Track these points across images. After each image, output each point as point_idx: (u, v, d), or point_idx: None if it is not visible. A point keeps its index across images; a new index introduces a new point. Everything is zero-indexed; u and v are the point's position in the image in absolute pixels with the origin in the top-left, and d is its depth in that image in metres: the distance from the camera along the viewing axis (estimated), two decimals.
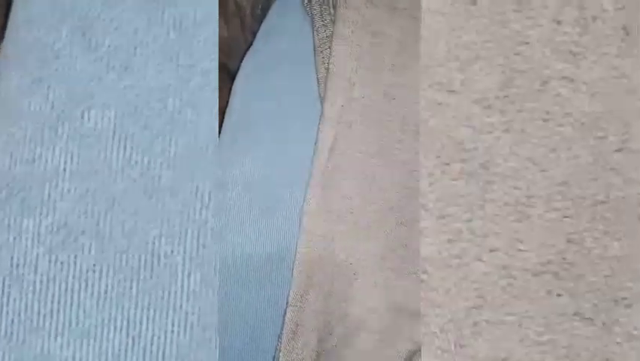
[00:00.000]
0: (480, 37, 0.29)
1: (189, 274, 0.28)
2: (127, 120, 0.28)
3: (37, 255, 0.27)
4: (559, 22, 0.29)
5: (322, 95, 0.37)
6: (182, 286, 0.28)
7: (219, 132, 0.38)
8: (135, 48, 0.28)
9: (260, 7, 0.41)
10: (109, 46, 0.28)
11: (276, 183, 0.38)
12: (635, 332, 0.28)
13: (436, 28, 0.29)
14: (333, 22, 0.38)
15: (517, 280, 0.28)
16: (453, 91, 0.29)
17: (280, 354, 0.35)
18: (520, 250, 0.28)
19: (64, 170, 0.27)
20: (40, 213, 0.27)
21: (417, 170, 0.37)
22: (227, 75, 0.40)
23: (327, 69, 0.37)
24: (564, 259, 0.29)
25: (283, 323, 0.35)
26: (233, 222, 0.37)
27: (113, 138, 0.28)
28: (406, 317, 0.36)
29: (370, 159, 0.36)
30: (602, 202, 0.29)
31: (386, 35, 0.38)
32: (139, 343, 0.27)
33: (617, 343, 0.28)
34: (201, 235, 0.28)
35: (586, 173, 0.29)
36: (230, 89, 0.40)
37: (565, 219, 0.29)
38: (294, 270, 0.35)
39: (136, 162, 0.28)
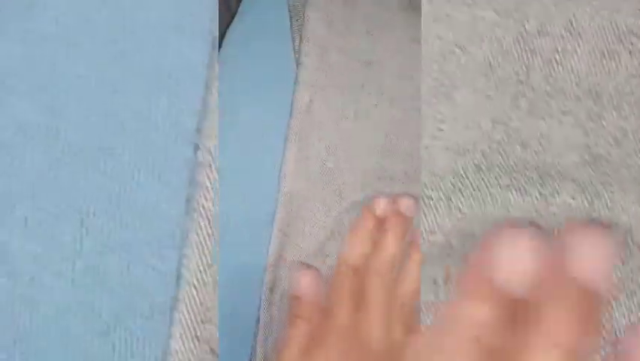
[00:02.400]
0: None
1: (140, 168, 0.29)
2: (69, 18, 0.29)
3: None
4: None
5: (297, 60, 0.39)
6: (134, 179, 0.29)
7: None
8: None
9: None
10: None
11: (256, 146, 0.39)
12: (572, 202, 0.29)
13: None
14: None
15: (439, 160, 0.30)
16: None
17: (260, 312, 0.37)
18: (441, 130, 0.30)
19: (14, 69, 0.29)
20: None
21: (394, 133, 0.38)
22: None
23: (301, 36, 0.38)
24: (490, 138, 0.30)
25: (263, 282, 0.37)
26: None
27: (58, 37, 0.29)
28: None
29: (346, 122, 0.38)
30: (522, 82, 0.30)
31: (357, 2, 0.39)
32: (94, 234, 0.29)
33: (554, 213, 0.29)
34: (151, 129, 0.29)
35: (507, 54, 0.30)
36: None
37: (488, 100, 0.30)
38: (273, 230, 0.37)
39: (83, 58, 0.29)
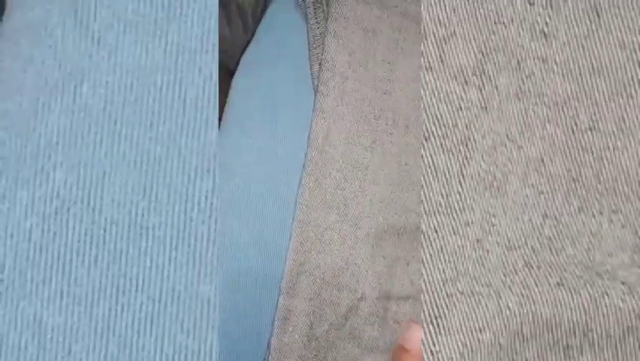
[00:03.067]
0: (455, 15, 0.30)
1: (176, 247, 0.29)
2: (117, 96, 0.29)
3: (31, 225, 0.28)
4: (531, 3, 0.30)
5: (316, 88, 0.38)
6: (170, 257, 0.29)
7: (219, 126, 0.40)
8: (125, 26, 0.29)
9: (260, 9, 0.42)
10: (100, 24, 0.29)
11: (272, 174, 0.39)
12: (621, 305, 0.29)
13: None
14: (326, 19, 0.39)
15: (491, 254, 0.29)
16: (431, 68, 0.30)
17: (272, 338, 0.36)
18: (493, 225, 0.29)
19: (57, 143, 0.29)
20: (34, 185, 0.28)
21: (408, 163, 0.38)
22: (228, 74, 0.41)
23: (320, 64, 0.38)
24: (541, 233, 0.29)
25: (276, 309, 0.36)
26: (231, 210, 0.38)
27: (104, 113, 0.29)
28: (396, 303, 0.37)
29: (363, 152, 0.37)
30: (575, 180, 0.30)
31: (377, 32, 0.38)
32: (128, 310, 0.28)
33: (604, 315, 0.29)
34: (188, 209, 0.29)
35: (559, 151, 0.30)
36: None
37: (540, 195, 0.30)
38: (287, 258, 0.36)
39: (125, 137, 0.29)
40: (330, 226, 0.37)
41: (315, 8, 0.40)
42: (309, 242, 0.36)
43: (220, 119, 0.40)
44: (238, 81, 0.41)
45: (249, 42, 0.42)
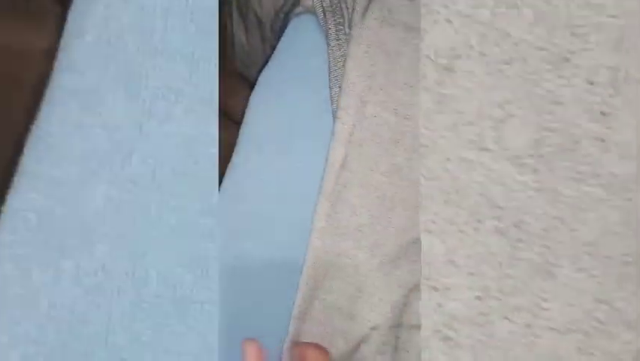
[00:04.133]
0: (513, 95, 0.29)
1: (212, 318, 0.29)
2: (165, 167, 0.29)
3: (75, 296, 0.28)
4: (591, 83, 0.30)
5: (335, 112, 0.38)
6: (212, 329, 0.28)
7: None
8: (175, 96, 0.29)
9: (279, 24, 0.41)
10: (150, 93, 0.29)
11: (288, 198, 0.38)
12: None
13: (468, 86, 0.30)
14: (348, 41, 0.38)
15: (542, 339, 0.28)
16: (486, 149, 0.29)
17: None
18: (544, 309, 0.29)
19: (104, 213, 0.28)
20: (79, 255, 0.28)
21: None
22: (246, 83, 0.41)
23: (340, 87, 0.38)
24: (594, 318, 0.29)
25: (287, 334, 0.36)
26: (245, 231, 0.38)
27: (152, 184, 0.28)
28: (407, 331, 0.37)
29: (380, 177, 0.37)
30: (629, 263, 0.29)
31: (400, 54, 0.38)
32: None
33: None
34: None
35: (613, 233, 0.29)
36: (248, 96, 0.40)
37: (592, 278, 0.29)
38: (300, 283, 0.36)
39: (173, 208, 0.29)
40: (344, 252, 0.36)
41: (337, 30, 0.39)
42: (322, 268, 0.36)
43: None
44: (256, 100, 0.40)
45: (267, 54, 0.42)
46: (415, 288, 0.37)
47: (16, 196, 0.28)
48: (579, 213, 0.29)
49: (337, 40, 0.39)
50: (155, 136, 0.29)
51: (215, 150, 0.29)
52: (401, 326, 0.37)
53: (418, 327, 0.37)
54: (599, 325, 0.29)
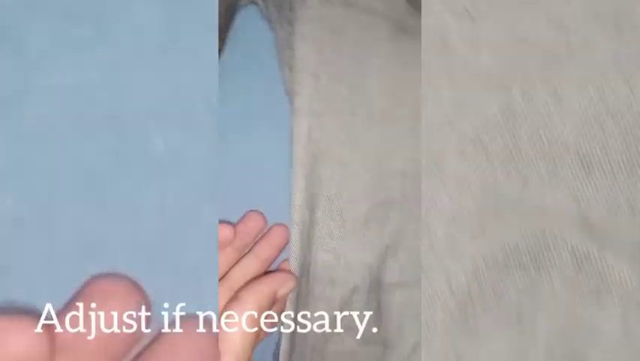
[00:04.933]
0: None
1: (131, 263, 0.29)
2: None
3: None
4: None
5: (289, 91, 0.39)
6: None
7: None
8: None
9: (224, 22, 0.42)
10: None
11: (258, 180, 0.40)
12: None
13: None
14: (292, 23, 0.39)
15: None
16: None
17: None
18: (435, 201, 0.29)
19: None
20: None
21: (385, 155, 0.38)
22: None
23: (291, 67, 0.39)
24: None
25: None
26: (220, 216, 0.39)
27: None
28: (387, 290, 0.39)
29: (341, 147, 0.38)
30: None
31: (344, 31, 0.39)
32: None
33: None
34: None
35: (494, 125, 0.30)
36: None
37: (477, 170, 0.30)
38: (290, 259, 0.37)
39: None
40: (320, 221, 0.37)
41: (279, 14, 0.41)
42: (304, 241, 0.37)
43: None
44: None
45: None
46: (389, 248, 0.39)
47: None
48: (458, 108, 0.30)
49: (281, 24, 0.41)
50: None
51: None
52: (381, 287, 0.38)
53: (398, 285, 0.38)
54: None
